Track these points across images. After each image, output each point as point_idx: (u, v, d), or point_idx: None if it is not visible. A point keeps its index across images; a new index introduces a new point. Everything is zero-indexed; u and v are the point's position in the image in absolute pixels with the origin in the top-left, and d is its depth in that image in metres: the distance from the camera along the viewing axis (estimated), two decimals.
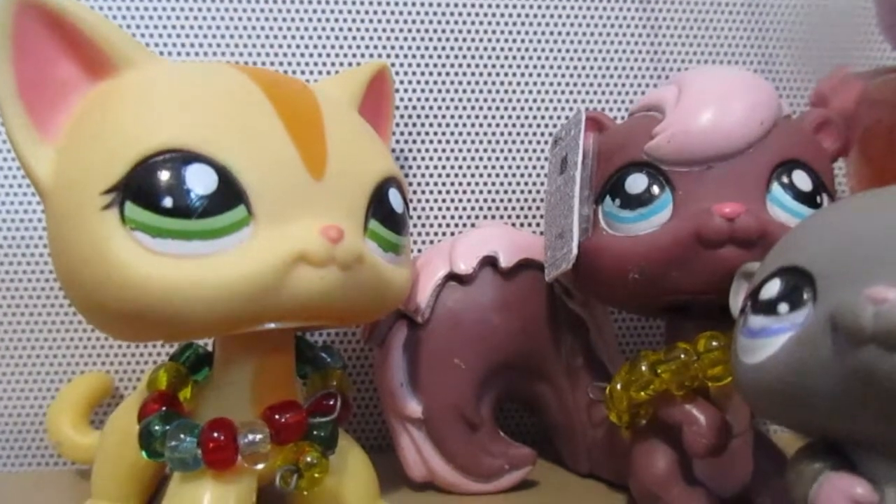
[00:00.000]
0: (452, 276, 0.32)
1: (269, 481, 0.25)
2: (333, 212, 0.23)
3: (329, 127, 0.24)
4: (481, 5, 0.40)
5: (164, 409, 0.24)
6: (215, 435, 0.23)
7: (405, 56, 0.40)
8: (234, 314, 0.21)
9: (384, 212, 0.25)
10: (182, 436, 0.23)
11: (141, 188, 0.20)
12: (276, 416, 0.24)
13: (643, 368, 0.28)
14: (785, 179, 0.27)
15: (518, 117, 0.41)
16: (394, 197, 0.26)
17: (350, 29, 0.39)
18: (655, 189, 0.28)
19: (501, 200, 0.41)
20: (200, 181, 0.21)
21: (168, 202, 0.20)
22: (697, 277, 0.26)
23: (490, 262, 0.33)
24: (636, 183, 0.28)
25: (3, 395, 0.38)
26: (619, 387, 0.29)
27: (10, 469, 0.39)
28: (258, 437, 0.23)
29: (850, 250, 0.19)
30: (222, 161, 0.21)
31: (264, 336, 0.24)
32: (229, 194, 0.21)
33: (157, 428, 0.24)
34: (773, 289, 0.20)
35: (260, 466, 0.23)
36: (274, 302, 0.22)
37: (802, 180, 0.27)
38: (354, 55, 0.39)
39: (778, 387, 0.19)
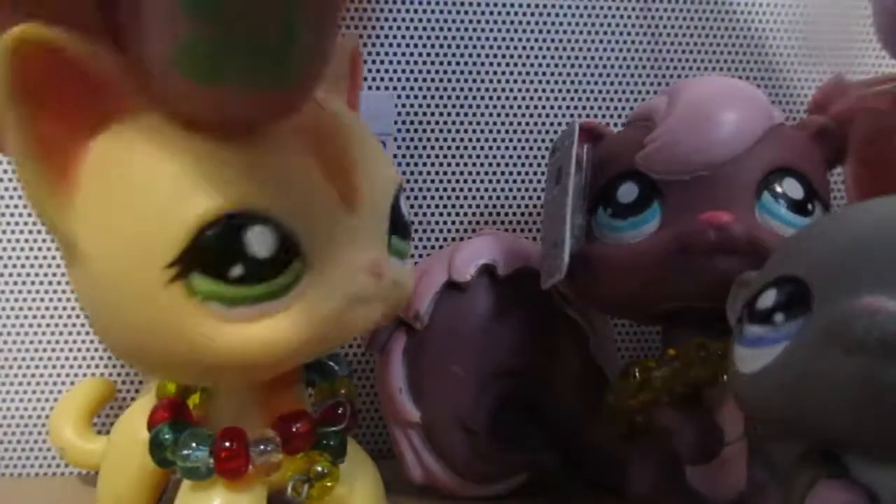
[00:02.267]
0: (451, 284, 0.33)
1: (278, 490, 0.25)
2: (369, 241, 0.23)
3: (351, 150, 0.23)
4: (481, 13, 0.40)
5: (173, 417, 0.24)
6: (227, 444, 0.23)
7: (405, 64, 0.40)
8: (299, 361, 0.23)
9: (398, 223, 0.25)
10: (194, 444, 0.23)
11: (208, 258, 0.20)
12: (287, 426, 0.24)
13: (636, 376, 0.28)
14: (776, 188, 0.27)
15: (518, 125, 0.41)
16: (403, 205, 0.25)
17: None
18: (646, 198, 0.28)
19: (502, 207, 0.41)
20: (263, 244, 0.20)
21: (238, 271, 0.20)
22: (687, 286, 0.27)
23: (488, 270, 0.33)
24: (627, 192, 0.28)
25: (6, 400, 0.38)
26: (613, 394, 0.29)
27: (15, 474, 0.39)
28: (270, 446, 0.23)
29: (846, 260, 0.19)
30: (277, 219, 0.20)
31: None
32: (288, 251, 0.21)
33: (167, 437, 0.24)
34: (769, 298, 0.21)
35: (271, 476, 0.24)
36: (333, 340, 0.23)
37: (793, 188, 0.27)
38: None
39: (774, 396, 0.20)
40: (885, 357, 0.17)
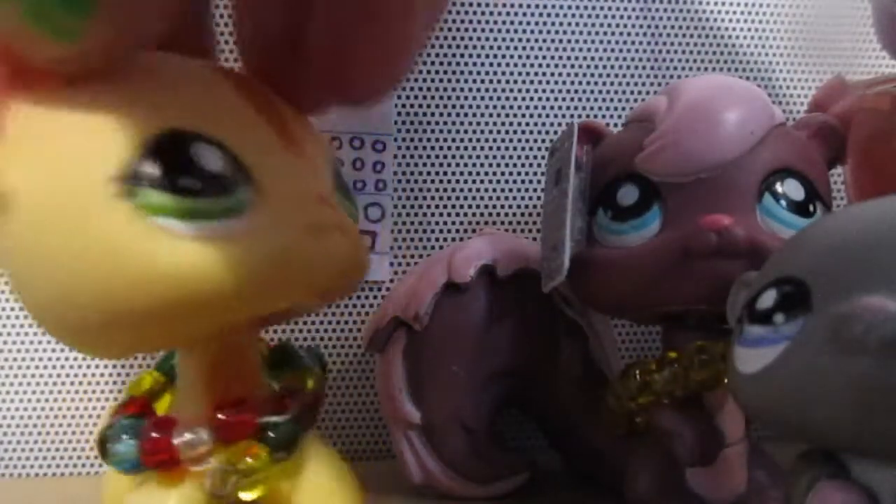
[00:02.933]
0: (451, 285, 0.33)
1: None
2: (317, 179, 0.23)
3: (285, 107, 0.24)
4: (481, 13, 0.40)
5: (133, 413, 0.23)
6: (154, 434, 0.22)
7: None
8: (260, 295, 0.21)
9: (342, 185, 0.25)
10: (124, 436, 0.22)
11: (155, 170, 0.19)
12: (220, 415, 0.23)
13: (635, 378, 0.28)
14: (776, 189, 0.27)
15: (518, 125, 0.41)
16: (341, 173, 0.26)
17: None
18: (646, 201, 0.28)
19: (502, 207, 0.41)
20: (211, 159, 0.20)
21: (188, 182, 0.19)
22: (688, 289, 0.27)
23: (488, 270, 0.33)
24: (627, 195, 0.28)
25: (6, 400, 0.38)
26: (613, 396, 0.29)
27: (15, 475, 0.39)
28: (193, 436, 0.22)
29: (846, 260, 0.19)
30: (223, 141, 0.20)
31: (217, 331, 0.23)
32: (237, 172, 0.20)
33: (110, 431, 0.22)
34: (769, 299, 0.20)
35: (200, 468, 0.22)
36: (299, 278, 0.21)
37: (795, 189, 0.27)
38: None
39: (774, 397, 0.20)
40: (885, 357, 0.16)
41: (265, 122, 0.22)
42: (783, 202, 0.27)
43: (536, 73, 0.41)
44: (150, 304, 0.19)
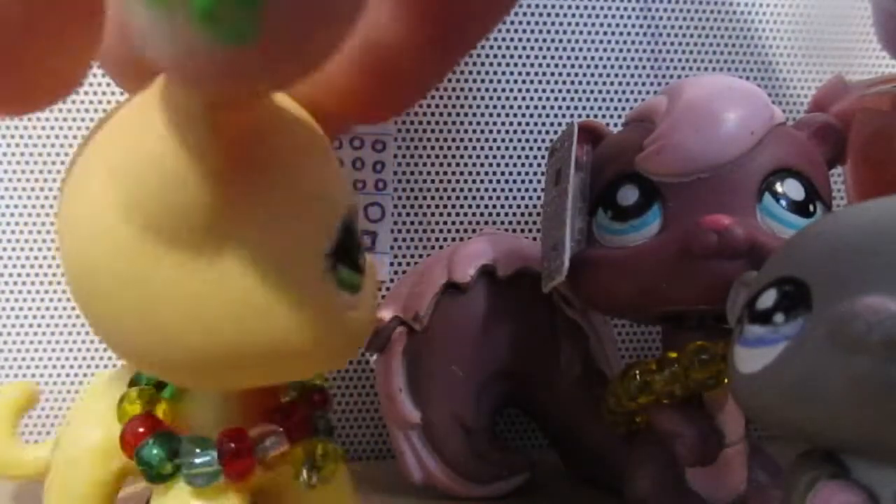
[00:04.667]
0: (451, 285, 0.33)
1: (259, 491, 0.24)
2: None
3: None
4: None
5: (154, 430, 0.23)
6: (233, 445, 0.22)
7: None
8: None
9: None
10: (198, 450, 0.22)
11: (347, 248, 0.21)
12: (287, 416, 0.24)
13: (635, 378, 0.28)
14: (777, 189, 0.27)
15: (519, 124, 0.41)
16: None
17: None
18: (646, 201, 0.28)
19: (503, 207, 0.41)
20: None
21: (360, 259, 0.21)
22: (688, 289, 0.27)
23: (488, 270, 0.33)
24: (627, 195, 0.28)
25: None
26: (613, 396, 0.29)
27: None
28: (274, 439, 0.23)
29: (846, 260, 0.19)
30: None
31: None
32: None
33: (155, 452, 0.22)
34: (768, 299, 0.20)
35: (275, 470, 0.23)
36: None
37: (795, 189, 0.27)
38: None
39: (774, 397, 0.20)
40: (886, 357, 0.16)
41: None
42: (783, 202, 0.27)
43: (536, 73, 0.41)
44: (319, 361, 0.22)
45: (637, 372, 0.28)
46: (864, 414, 0.18)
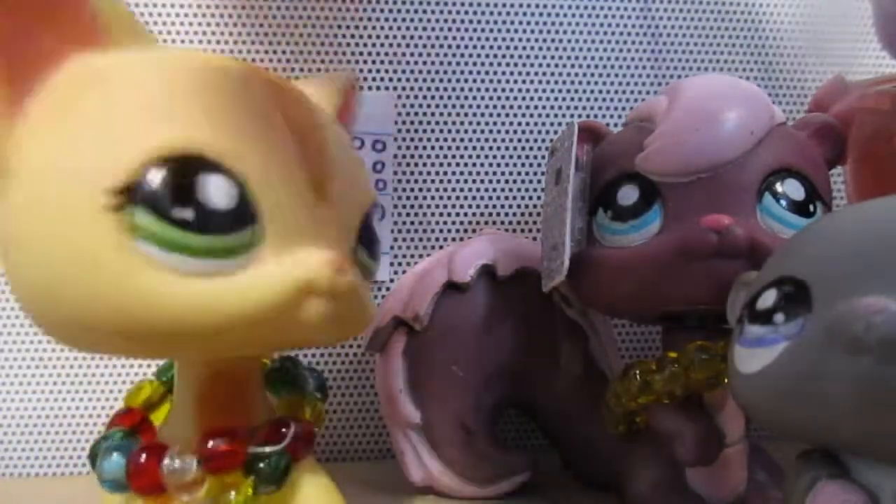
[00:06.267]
0: (451, 285, 0.33)
1: None
2: (334, 238, 0.22)
3: (330, 146, 0.23)
4: (481, 13, 0.40)
5: (129, 426, 0.23)
6: (142, 458, 0.21)
7: (406, 64, 0.40)
8: (236, 338, 0.20)
9: (369, 239, 0.24)
10: (115, 454, 0.21)
11: (155, 193, 0.18)
12: (208, 443, 0.21)
13: (635, 378, 0.28)
14: (777, 189, 0.27)
15: (518, 125, 0.41)
16: (376, 223, 0.25)
17: (348, 36, 0.39)
18: (646, 201, 0.28)
19: (503, 207, 0.41)
20: (221, 194, 0.19)
21: (187, 214, 0.18)
22: (687, 289, 0.26)
23: (488, 270, 0.33)
24: (627, 195, 0.28)
25: (6, 400, 0.38)
26: (612, 396, 0.29)
27: (16, 475, 0.39)
28: (183, 464, 0.21)
29: (846, 260, 0.19)
30: (240, 175, 0.19)
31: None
32: (245, 212, 0.19)
33: (107, 443, 0.22)
34: (769, 298, 0.20)
35: (187, 497, 0.21)
36: (277, 328, 0.20)
37: (795, 189, 0.27)
38: (357, 61, 0.40)
39: (774, 396, 0.20)
40: (885, 358, 0.16)
41: (299, 156, 0.21)
42: (783, 202, 0.27)
43: (536, 74, 0.41)
44: (115, 322, 0.19)
45: (637, 372, 0.28)
46: (862, 414, 0.18)
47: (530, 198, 0.41)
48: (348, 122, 0.30)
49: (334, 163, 0.22)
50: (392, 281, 0.40)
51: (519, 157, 0.41)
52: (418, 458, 0.33)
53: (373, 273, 0.25)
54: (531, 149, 0.41)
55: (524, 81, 0.41)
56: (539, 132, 0.41)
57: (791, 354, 0.19)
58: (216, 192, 0.19)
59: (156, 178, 0.18)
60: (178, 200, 0.18)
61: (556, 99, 0.41)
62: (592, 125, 0.32)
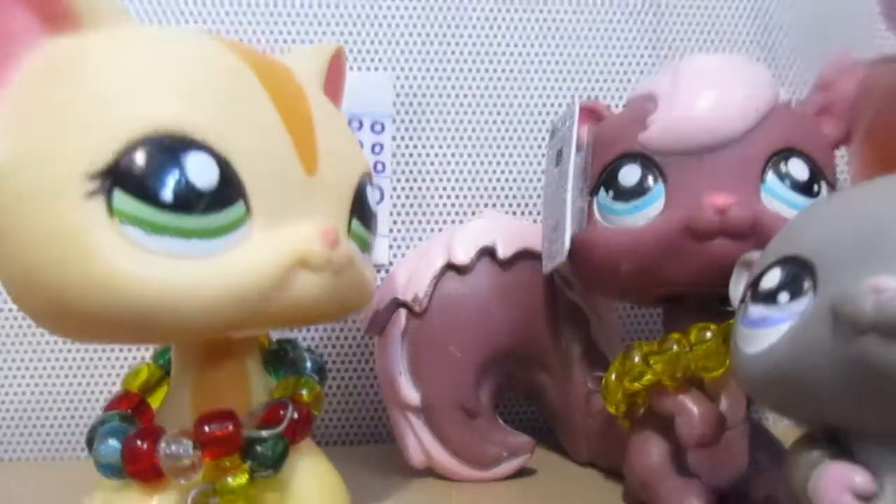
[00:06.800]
0: (451, 266, 0.32)
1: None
2: (325, 211, 0.21)
3: (317, 118, 0.22)
4: None
5: (127, 408, 0.23)
6: (138, 443, 0.20)
7: (404, 45, 0.40)
8: (228, 319, 0.19)
9: (363, 210, 0.24)
10: (110, 440, 0.21)
11: (136, 175, 0.18)
12: (205, 427, 0.21)
13: (636, 359, 0.28)
14: (781, 168, 0.27)
15: (520, 105, 0.40)
16: (371, 194, 0.24)
17: (346, 16, 0.39)
18: (649, 180, 0.27)
19: (503, 189, 0.41)
20: (203, 173, 0.18)
21: (168, 195, 0.18)
22: (690, 269, 0.26)
23: (488, 252, 0.33)
24: (629, 174, 0.28)
25: (3, 385, 0.38)
26: (613, 377, 0.29)
27: (14, 458, 0.39)
28: (179, 448, 0.20)
29: (851, 239, 0.19)
30: (224, 152, 0.19)
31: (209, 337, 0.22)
32: (230, 189, 0.19)
33: (104, 426, 0.22)
34: (773, 278, 0.20)
35: (184, 481, 0.21)
36: (271, 306, 0.20)
37: (799, 169, 0.27)
38: (356, 41, 0.39)
39: (778, 376, 0.19)
40: (890, 337, 0.16)
41: (287, 131, 0.20)
42: (787, 182, 0.27)
43: (537, 54, 0.40)
44: (100, 313, 0.18)
45: (638, 353, 0.28)
46: (865, 394, 0.18)
47: (531, 179, 0.41)
48: (337, 94, 0.30)
49: (322, 136, 0.22)
50: (391, 264, 0.40)
51: (519, 137, 0.40)
52: (418, 441, 0.33)
53: (370, 245, 0.25)
54: (531, 129, 0.41)
55: (524, 62, 0.40)
56: (539, 113, 0.41)
57: (795, 334, 0.19)
58: (199, 170, 0.18)
59: (136, 159, 0.18)
60: (161, 181, 0.18)
61: (556, 80, 0.41)
62: (593, 105, 0.31)
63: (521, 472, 0.33)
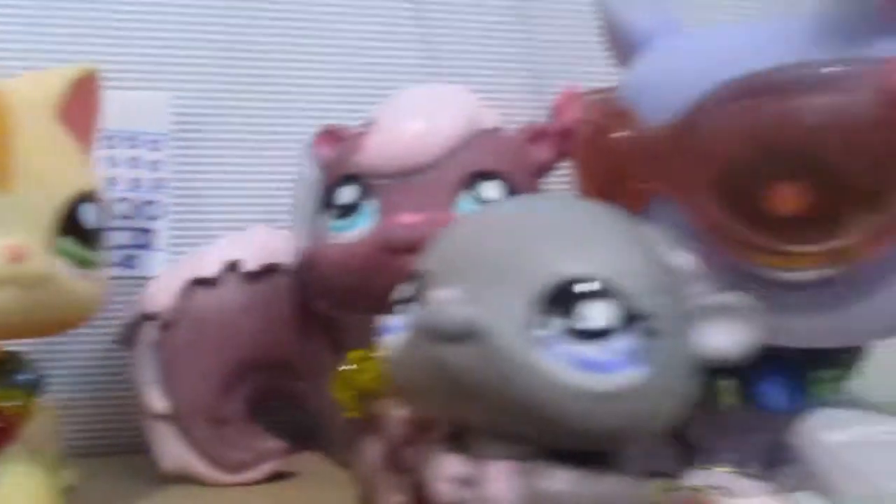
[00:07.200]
0: (198, 280, 0.34)
1: None
2: (19, 227, 0.23)
3: (20, 135, 0.24)
4: (255, 13, 0.42)
5: None
6: None
7: (184, 65, 0.41)
8: None
9: (77, 228, 0.25)
10: None
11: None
12: None
13: (349, 369, 0.30)
14: (476, 190, 0.30)
15: (295, 125, 0.41)
16: (86, 213, 0.26)
17: (122, 38, 0.40)
18: (360, 200, 0.30)
19: (280, 204, 0.41)
20: None
21: None
22: (392, 283, 0.28)
23: (235, 266, 0.34)
24: (346, 194, 0.30)
25: None
26: (338, 381, 0.31)
27: None
28: None
29: (442, 258, 0.21)
30: None
31: None
32: None
33: None
34: (406, 289, 0.23)
35: None
36: None
37: (492, 191, 0.30)
38: (132, 62, 0.40)
39: (395, 380, 0.22)
40: (443, 342, 0.19)
41: None
42: (480, 203, 0.29)
43: (309, 77, 0.42)
44: None
45: (352, 361, 0.30)
46: (438, 392, 0.20)
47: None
48: (87, 115, 0.30)
49: (25, 157, 0.23)
50: None
51: (294, 156, 0.42)
52: (170, 449, 0.34)
53: (92, 262, 0.26)
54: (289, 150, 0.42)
55: (299, 84, 0.42)
56: (301, 125, 0.41)
57: (400, 341, 0.21)
58: None
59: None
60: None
61: (329, 102, 0.42)
62: (333, 128, 0.34)
63: (281, 475, 0.35)
